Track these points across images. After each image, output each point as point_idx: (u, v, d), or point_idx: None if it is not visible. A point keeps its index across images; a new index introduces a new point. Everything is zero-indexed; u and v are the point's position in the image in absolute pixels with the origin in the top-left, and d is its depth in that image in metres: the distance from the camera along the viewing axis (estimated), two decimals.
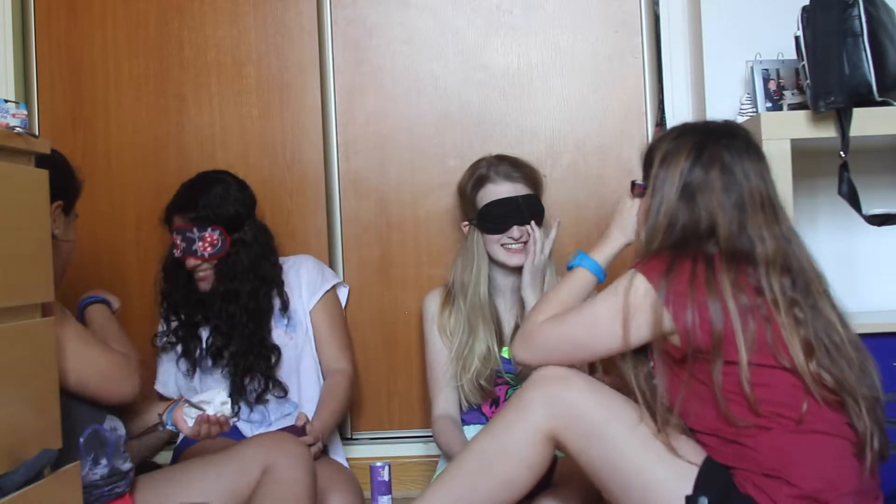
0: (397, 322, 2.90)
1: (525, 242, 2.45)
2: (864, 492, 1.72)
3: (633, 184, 1.98)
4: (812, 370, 1.70)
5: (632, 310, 1.77)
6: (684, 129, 1.92)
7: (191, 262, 2.52)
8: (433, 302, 2.59)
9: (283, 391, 2.56)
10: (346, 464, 2.65)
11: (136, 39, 2.95)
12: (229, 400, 2.06)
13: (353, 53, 2.93)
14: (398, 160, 2.92)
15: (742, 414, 1.71)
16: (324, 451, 2.50)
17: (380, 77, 2.93)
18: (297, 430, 2.34)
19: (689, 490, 1.69)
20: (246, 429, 2.50)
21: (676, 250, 1.79)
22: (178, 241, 2.52)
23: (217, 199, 2.53)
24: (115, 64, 2.95)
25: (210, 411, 2.03)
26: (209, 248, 2.51)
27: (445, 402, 2.52)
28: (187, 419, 2.04)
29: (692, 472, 1.71)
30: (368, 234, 2.92)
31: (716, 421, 1.74)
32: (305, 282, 2.65)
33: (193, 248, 2.51)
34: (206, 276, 2.54)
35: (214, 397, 2.05)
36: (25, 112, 1.67)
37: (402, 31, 2.93)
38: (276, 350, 2.56)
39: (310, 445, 2.31)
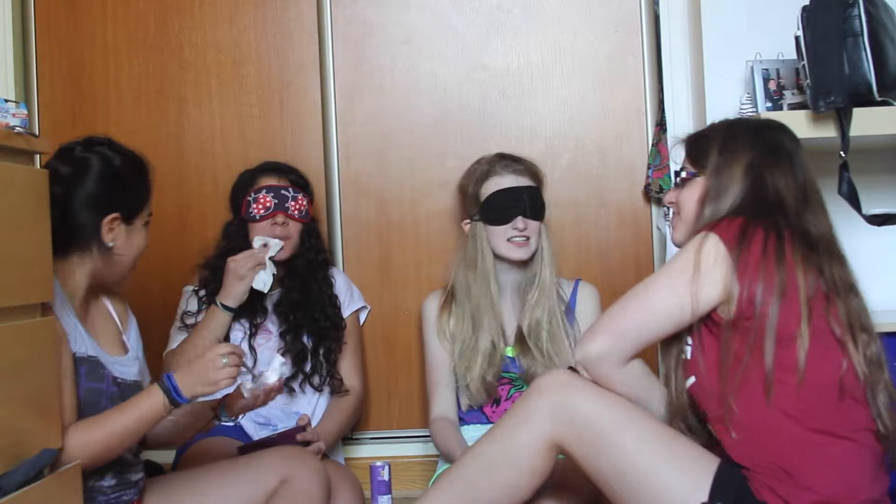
0: (397, 322, 2.91)
1: (528, 237, 2.45)
2: (879, 501, 1.72)
3: (679, 173, 1.97)
4: (866, 354, 1.73)
5: (703, 269, 1.72)
6: (737, 121, 1.99)
7: (279, 218, 2.52)
8: (432, 304, 2.59)
9: (340, 381, 2.60)
10: (343, 464, 2.66)
11: (136, 39, 2.95)
12: (286, 361, 2.12)
13: (353, 53, 2.93)
14: (398, 160, 2.92)
15: (779, 397, 1.69)
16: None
17: (380, 77, 2.93)
18: (298, 430, 2.34)
19: (703, 497, 1.67)
20: (251, 428, 2.50)
21: (749, 217, 1.77)
22: (268, 199, 2.52)
23: (305, 174, 2.67)
24: (115, 64, 2.95)
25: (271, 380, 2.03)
26: (297, 211, 2.55)
27: (443, 403, 2.52)
28: (245, 392, 2.02)
29: (706, 479, 1.69)
30: (368, 234, 2.92)
31: (748, 407, 1.71)
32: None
33: (286, 205, 2.53)
34: (284, 241, 2.53)
35: (270, 375, 2.03)
36: (25, 112, 1.67)
37: (402, 31, 2.93)
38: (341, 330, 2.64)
39: (310, 443, 2.33)
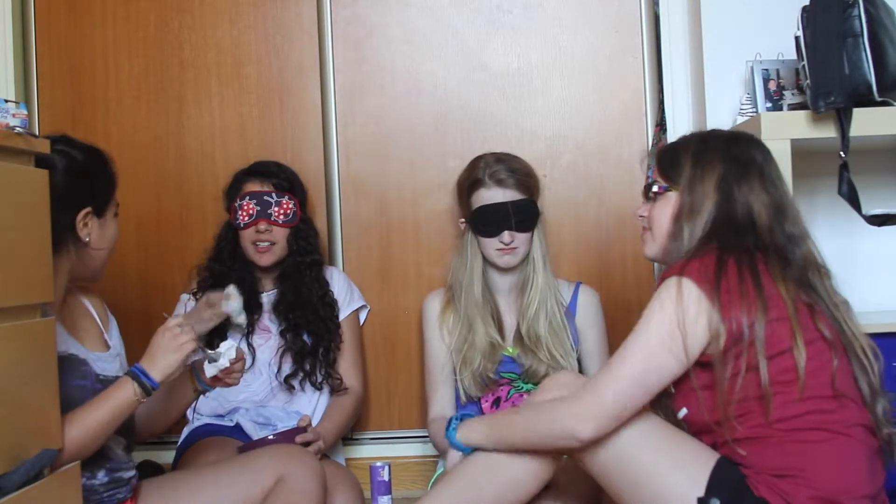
0: (397, 322, 2.90)
1: (514, 248, 2.46)
2: (876, 496, 1.73)
3: (650, 186, 1.94)
4: (877, 354, 1.74)
5: (688, 320, 1.70)
6: (709, 133, 1.95)
7: (261, 226, 2.53)
8: (434, 302, 2.60)
9: (339, 381, 2.60)
10: (343, 464, 2.66)
11: (136, 39, 2.95)
12: (234, 343, 2.04)
13: (353, 53, 2.93)
14: (398, 160, 2.92)
15: (782, 407, 1.68)
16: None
17: (380, 77, 2.93)
18: (297, 431, 2.35)
19: (700, 492, 1.68)
20: (251, 428, 2.50)
21: (719, 250, 1.76)
22: (251, 206, 2.53)
23: (294, 174, 2.67)
24: (115, 64, 2.95)
25: (224, 360, 2.02)
26: (282, 216, 2.54)
27: (442, 403, 2.53)
28: (206, 372, 2.03)
29: (704, 474, 1.69)
30: (368, 234, 2.92)
31: (739, 418, 1.71)
32: (335, 294, 2.68)
33: (269, 211, 2.53)
34: (268, 249, 2.54)
35: (222, 360, 2.02)
36: (25, 112, 1.67)
37: (402, 31, 2.93)
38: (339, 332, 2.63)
39: (311, 443, 2.33)
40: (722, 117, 2.61)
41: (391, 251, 2.92)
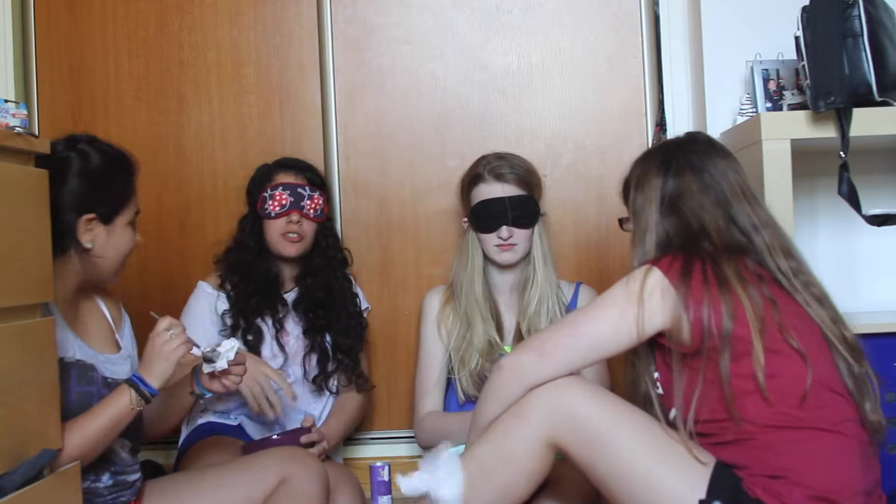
0: (397, 322, 2.90)
1: (513, 244, 2.47)
2: (871, 492, 1.73)
3: (621, 220, 2.04)
4: (846, 335, 1.75)
5: (646, 299, 1.76)
6: (649, 152, 1.99)
7: (294, 216, 2.51)
8: (434, 299, 2.60)
9: (366, 380, 2.61)
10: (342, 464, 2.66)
11: (136, 39, 2.95)
12: (235, 344, 1.98)
13: (353, 53, 2.93)
14: (398, 160, 2.92)
15: (750, 410, 1.70)
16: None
17: (380, 77, 2.93)
18: (302, 431, 2.35)
19: (700, 495, 1.68)
20: (252, 429, 2.49)
21: (686, 252, 1.80)
22: (284, 197, 2.51)
23: (322, 173, 2.68)
24: (115, 64, 2.95)
25: (222, 361, 1.95)
26: (313, 211, 2.54)
27: (432, 404, 2.54)
28: (204, 370, 1.98)
29: (702, 478, 1.69)
30: (368, 233, 2.92)
31: (725, 421, 1.73)
32: None
33: (302, 203, 2.53)
34: (297, 239, 2.53)
35: (221, 362, 1.96)
36: (25, 112, 1.67)
37: (402, 31, 2.93)
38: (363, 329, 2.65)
39: (315, 443, 2.33)
40: (722, 117, 2.62)
41: (391, 251, 2.92)
